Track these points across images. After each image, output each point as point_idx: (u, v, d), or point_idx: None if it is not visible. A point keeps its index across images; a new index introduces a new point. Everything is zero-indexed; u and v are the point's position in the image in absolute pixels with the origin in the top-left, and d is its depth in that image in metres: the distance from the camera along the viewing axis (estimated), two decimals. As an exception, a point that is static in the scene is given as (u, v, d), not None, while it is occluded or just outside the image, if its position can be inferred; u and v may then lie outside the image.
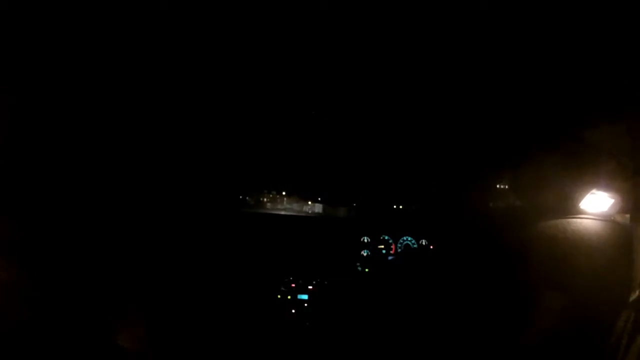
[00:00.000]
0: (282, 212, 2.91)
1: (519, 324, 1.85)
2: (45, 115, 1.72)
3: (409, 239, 2.82)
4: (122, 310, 2.04)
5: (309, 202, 2.96)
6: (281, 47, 1.73)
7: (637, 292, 1.66)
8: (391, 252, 2.82)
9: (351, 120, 2.30)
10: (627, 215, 1.72)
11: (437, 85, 1.84)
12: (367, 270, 2.76)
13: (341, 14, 1.48)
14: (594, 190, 1.62)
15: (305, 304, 2.64)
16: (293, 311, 2.62)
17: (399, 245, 2.82)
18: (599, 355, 1.73)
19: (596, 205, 1.65)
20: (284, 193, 2.93)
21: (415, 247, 2.81)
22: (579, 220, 1.69)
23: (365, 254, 2.79)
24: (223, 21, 1.56)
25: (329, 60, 1.80)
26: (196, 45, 1.71)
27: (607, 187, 1.61)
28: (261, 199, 2.89)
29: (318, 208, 2.96)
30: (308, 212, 2.99)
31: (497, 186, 1.94)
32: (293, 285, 2.65)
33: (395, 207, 2.96)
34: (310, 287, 2.66)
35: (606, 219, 1.68)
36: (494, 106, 1.75)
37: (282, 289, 2.64)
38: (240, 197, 2.83)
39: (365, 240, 2.81)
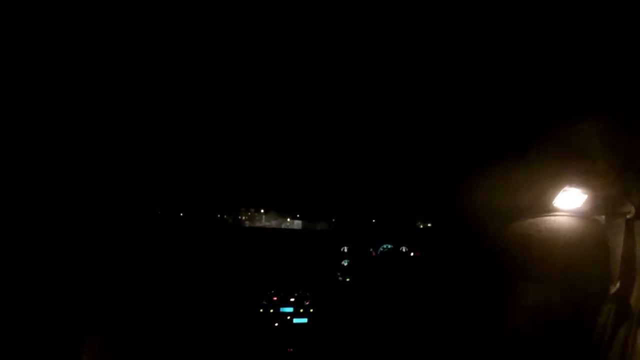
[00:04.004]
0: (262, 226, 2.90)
1: (500, 324, 1.87)
2: (45, 115, 1.71)
3: (389, 246, 2.82)
4: (100, 323, 2.02)
5: (288, 219, 2.95)
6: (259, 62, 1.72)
7: (616, 285, 1.70)
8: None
9: (328, 135, 2.29)
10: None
11: (409, 92, 1.85)
12: (347, 280, 2.75)
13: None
14: (566, 188, 1.64)
15: (288, 317, 2.61)
16: (276, 324, 2.59)
17: (379, 252, 2.82)
18: (584, 348, 1.75)
19: (570, 202, 1.68)
20: (262, 210, 2.91)
21: (393, 255, 2.83)
22: (552, 217, 1.72)
23: (345, 264, 2.78)
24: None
25: (306, 70, 1.79)
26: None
27: (580, 184, 1.64)
28: (240, 217, 2.87)
29: (297, 224, 2.96)
30: (283, 228, 2.98)
31: (471, 189, 1.95)
32: (275, 298, 2.62)
33: (374, 220, 2.98)
34: (292, 299, 2.64)
35: (580, 215, 1.71)
36: (465, 107, 1.76)
37: (264, 302, 2.61)
38: (219, 215, 2.80)
39: (345, 250, 2.80)
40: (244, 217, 2.87)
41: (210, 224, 2.76)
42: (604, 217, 1.77)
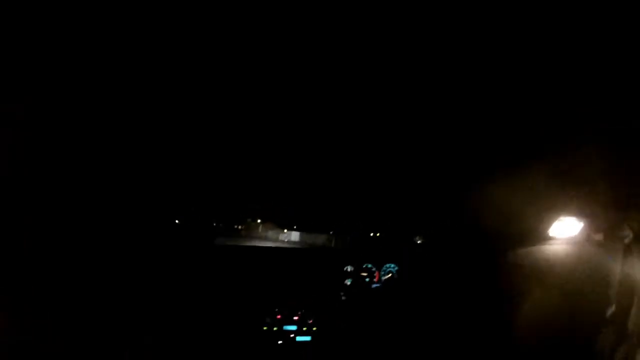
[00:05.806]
0: (266, 244, 2.92)
1: (502, 349, 1.89)
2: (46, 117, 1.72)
3: (392, 266, 2.85)
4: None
5: (285, 230, 2.97)
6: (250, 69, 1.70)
7: (613, 307, 1.72)
8: (374, 280, 2.85)
9: (327, 143, 2.25)
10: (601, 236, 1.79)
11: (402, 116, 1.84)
12: (351, 299, 2.78)
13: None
14: (561, 217, 1.68)
15: (292, 335, 2.64)
16: (280, 342, 2.61)
17: (382, 272, 2.85)
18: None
19: (566, 230, 1.71)
20: (259, 221, 2.94)
21: (397, 275, 2.85)
22: (548, 247, 1.75)
23: (349, 283, 2.81)
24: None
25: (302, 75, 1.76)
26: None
27: (576, 212, 1.67)
28: (236, 227, 2.89)
29: (294, 236, 2.97)
30: (284, 241, 3.00)
31: (467, 215, 1.98)
32: (279, 316, 2.65)
33: (372, 234, 3.00)
34: (295, 317, 2.66)
35: (576, 242, 1.74)
36: (461, 134, 1.78)
37: (268, 320, 2.64)
38: (214, 224, 2.83)
39: (349, 270, 2.83)
40: (240, 227, 2.89)
41: (215, 238, 2.78)
42: (602, 242, 1.79)
